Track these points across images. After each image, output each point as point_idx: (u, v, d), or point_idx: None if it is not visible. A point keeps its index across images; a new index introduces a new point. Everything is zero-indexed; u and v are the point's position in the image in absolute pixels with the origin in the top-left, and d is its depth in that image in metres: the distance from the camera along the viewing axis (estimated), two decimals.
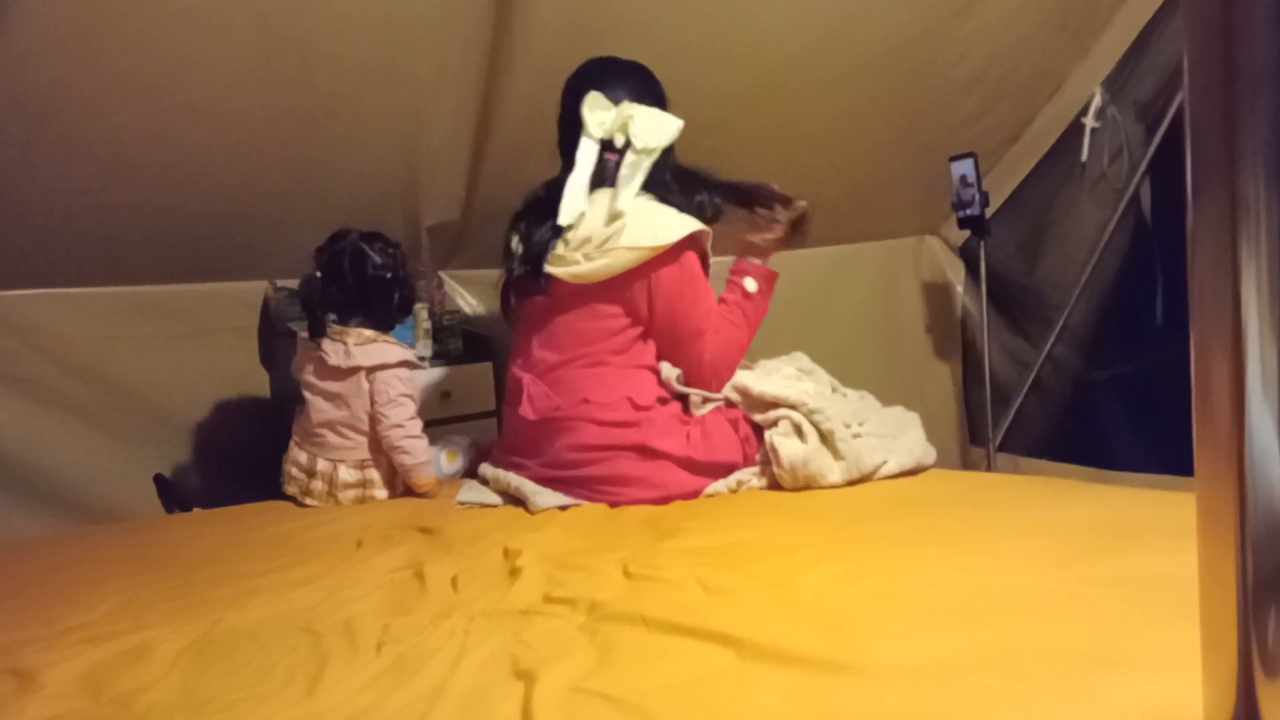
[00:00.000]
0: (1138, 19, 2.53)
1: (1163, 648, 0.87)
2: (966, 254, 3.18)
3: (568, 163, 1.91)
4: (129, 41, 1.84)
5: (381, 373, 2.02)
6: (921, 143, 2.84)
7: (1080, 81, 2.70)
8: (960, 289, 3.26)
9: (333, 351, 2.02)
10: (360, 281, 2.03)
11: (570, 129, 1.92)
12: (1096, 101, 2.63)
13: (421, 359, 2.53)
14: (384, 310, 2.07)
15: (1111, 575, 1.10)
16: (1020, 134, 2.91)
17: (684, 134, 1.91)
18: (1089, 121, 2.65)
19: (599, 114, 1.88)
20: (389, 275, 2.05)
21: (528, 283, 1.92)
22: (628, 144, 1.86)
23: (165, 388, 2.37)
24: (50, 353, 2.23)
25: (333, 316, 2.04)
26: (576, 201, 1.84)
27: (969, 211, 2.79)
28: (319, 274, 2.03)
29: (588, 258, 1.82)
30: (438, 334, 2.68)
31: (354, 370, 2.01)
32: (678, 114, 1.92)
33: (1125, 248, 2.65)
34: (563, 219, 1.84)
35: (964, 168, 2.77)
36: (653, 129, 1.87)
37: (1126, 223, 2.63)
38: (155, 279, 2.36)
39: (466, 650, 1.08)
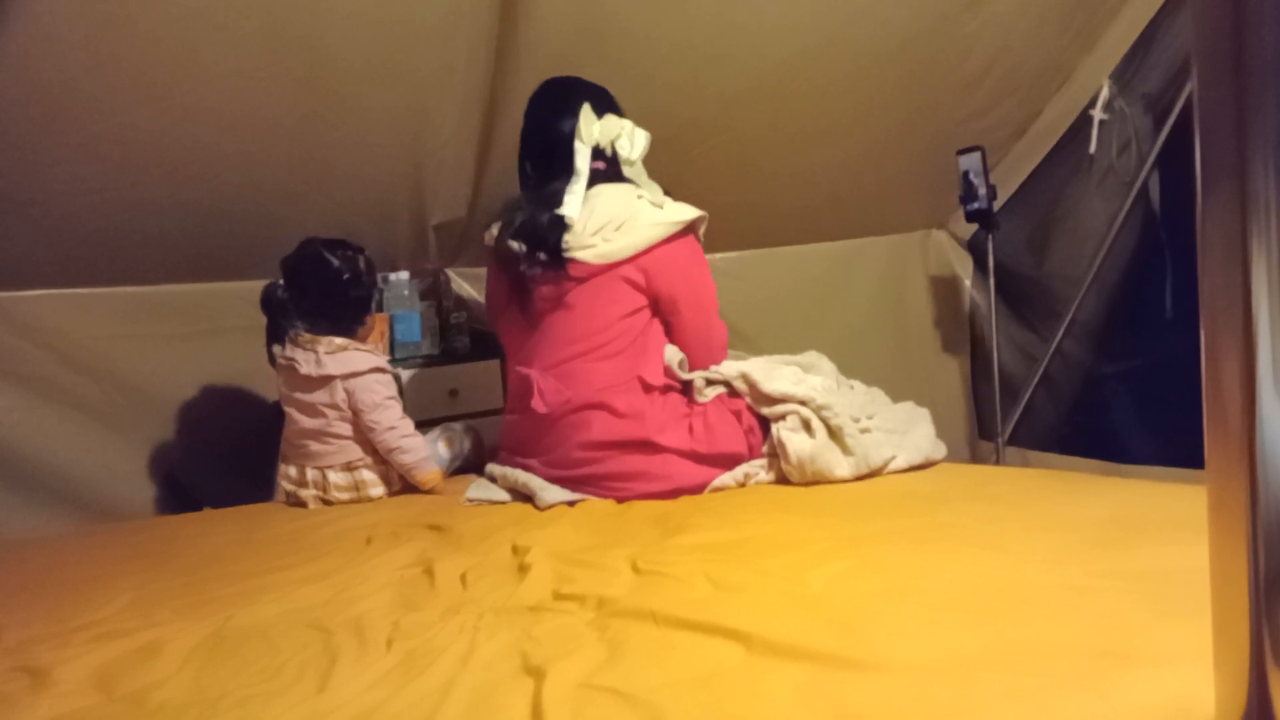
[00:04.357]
0: (1145, 11, 2.51)
1: (1174, 642, 0.87)
2: (974, 248, 3.17)
3: (541, 177, 1.97)
4: (136, 42, 1.84)
5: (358, 380, 2.02)
6: (928, 137, 2.83)
7: (1088, 74, 2.69)
8: (968, 283, 3.24)
9: (304, 360, 2.02)
10: (320, 287, 2.04)
11: (542, 142, 1.99)
12: (1104, 94, 2.62)
13: (406, 359, 2.52)
14: (345, 315, 2.07)
15: (1122, 569, 1.10)
16: (1028, 127, 2.89)
17: (691, 134, 1.92)
18: (1097, 114, 2.64)
19: (592, 125, 1.96)
20: (346, 276, 2.05)
21: (525, 280, 1.92)
22: (614, 153, 1.97)
23: (172, 386, 2.37)
24: (58, 352, 2.24)
25: (303, 325, 2.04)
26: (578, 199, 1.91)
27: (976, 205, 2.78)
28: (282, 281, 2.05)
29: (606, 240, 1.87)
30: (444, 331, 2.69)
31: (326, 379, 2.01)
32: (684, 115, 1.94)
33: (1134, 241, 2.63)
34: (567, 210, 1.89)
35: (971, 161, 2.76)
36: (636, 143, 2.00)
37: (1135, 216, 2.61)
38: (162, 278, 2.36)
39: (476, 646, 1.09)
